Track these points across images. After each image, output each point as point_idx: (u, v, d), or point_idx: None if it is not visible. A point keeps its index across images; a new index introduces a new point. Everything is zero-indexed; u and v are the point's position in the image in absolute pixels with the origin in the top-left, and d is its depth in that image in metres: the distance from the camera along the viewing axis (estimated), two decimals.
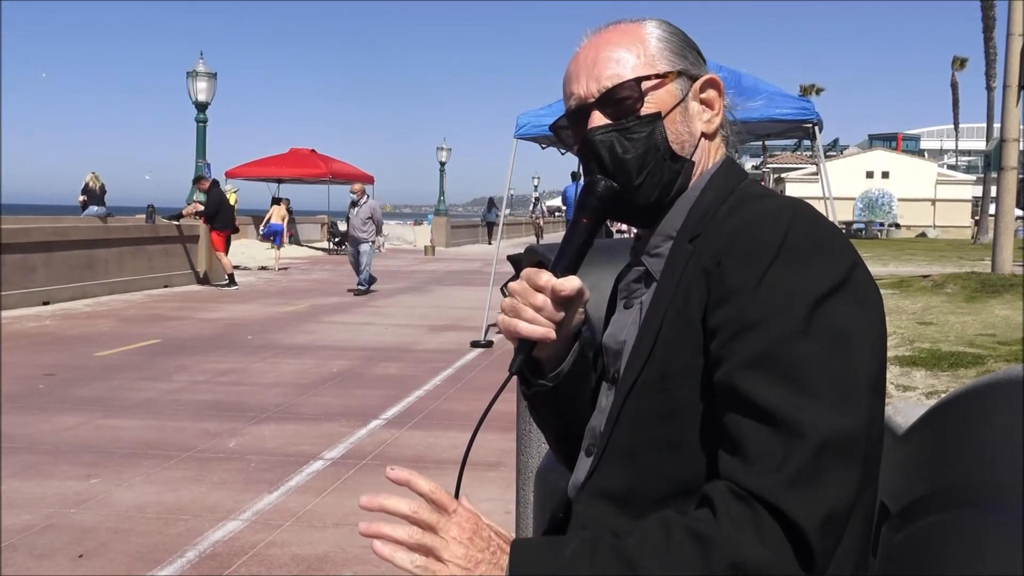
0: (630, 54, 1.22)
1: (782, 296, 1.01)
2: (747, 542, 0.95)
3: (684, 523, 0.99)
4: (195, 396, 6.88)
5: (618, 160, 1.19)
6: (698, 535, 0.97)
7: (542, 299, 1.17)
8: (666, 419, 1.10)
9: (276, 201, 24.48)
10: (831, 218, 1.15)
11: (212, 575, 3.56)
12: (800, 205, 1.09)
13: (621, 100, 1.20)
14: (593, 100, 1.21)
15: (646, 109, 1.20)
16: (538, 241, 31.39)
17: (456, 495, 1.09)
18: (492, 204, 37.50)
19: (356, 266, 15.18)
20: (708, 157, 1.24)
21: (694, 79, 1.24)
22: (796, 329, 1.00)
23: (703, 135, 1.24)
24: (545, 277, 1.17)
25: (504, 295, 1.23)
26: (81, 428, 5.83)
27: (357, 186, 15.80)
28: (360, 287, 14.96)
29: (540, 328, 1.17)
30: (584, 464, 1.23)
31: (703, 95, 1.24)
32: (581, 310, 1.23)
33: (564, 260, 1.20)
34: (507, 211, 12.91)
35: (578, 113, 1.23)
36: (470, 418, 6.22)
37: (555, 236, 36.86)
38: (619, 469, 1.14)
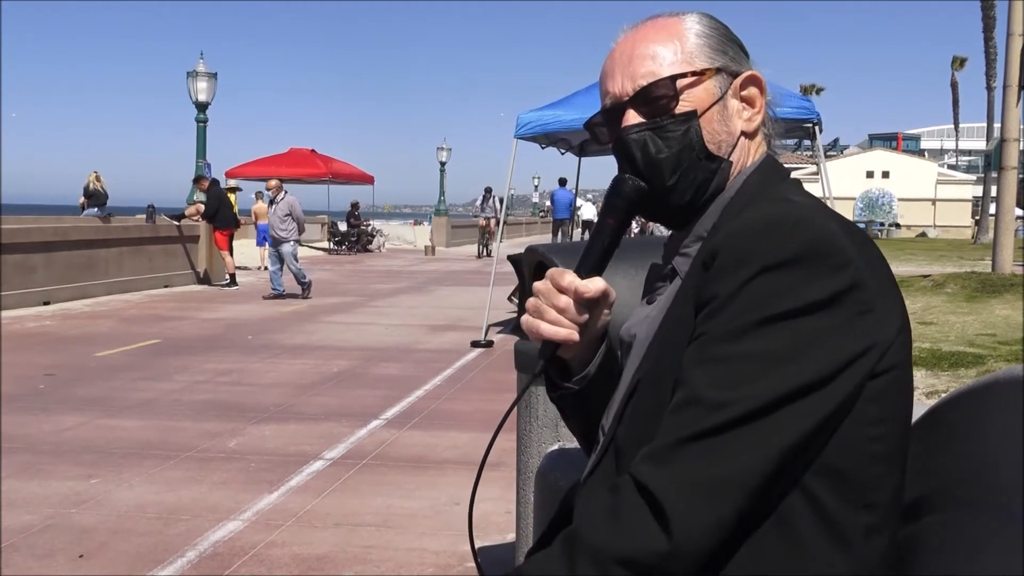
0: (667, 50, 1.18)
1: (753, 304, 0.99)
2: (600, 530, 0.97)
3: (566, 528, 1.03)
4: (195, 396, 6.88)
5: (651, 160, 1.16)
6: (566, 536, 1.01)
7: (565, 300, 1.15)
8: (661, 415, 1.09)
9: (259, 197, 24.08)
10: None
11: (212, 575, 3.56)
12: (809, 216, 1.04)
13: (656, 98, 1.17)
14: (628, 98, 1.18)
15: (682, 107, 1.16)
16: (482, 250, 26.24)
17: (472, 503, 1.13)
18: (502, 202, 37.70)
19: (278, 271, 14.00)
20: (748, 156, 1.21)
21: (735, 75, 1.20)
22: (752, 328, 0.98)
23: (743, 133, 1.20)
24: (568, 278, 1.15)
25: (511, 302, 1.25)
26: (81, 428, 5.83)
27: (272, 182, 14.63)
28: (303, 286, 13.93)
29: (562, 330, 1.15)
30: (590, 459, 1.23)
31: (744, 92, 1.20)
32: (607, 311, 1.20)
33: (589, 261, 1.18)
34: (507, 212, 12.88)
35: (612, 111, 1.20)
36: (471, 418, 6.22)
37: (508, 242, 36.28)
38: (618, 466, 1.14)
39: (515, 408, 1.20)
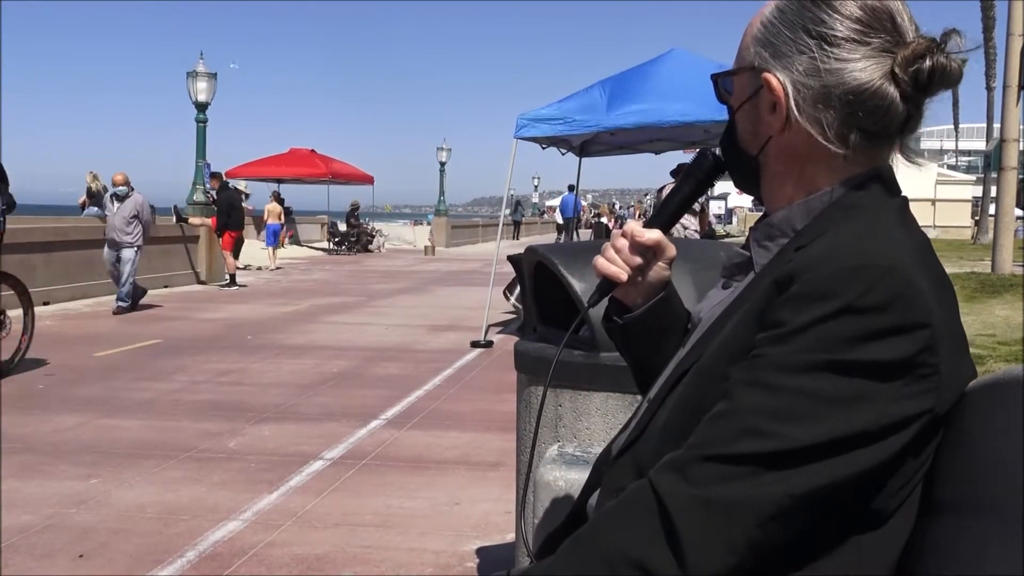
0: (744, 35, 1.16)
1: (822, 344, 0.95)
2: (612, 531, 1.00)
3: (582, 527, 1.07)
4: (195, 396, 6.88)
5: (721, 140, 1.25)
6: (579, 532, 1.05)
7: (622, 243, 1.28)
8: (699, 415, 1.05)
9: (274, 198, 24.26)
10: None
11: (212, 575, 3.56)
12: (901, 265, 0.98)
13: (716, 87, 1.22)
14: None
15: (732, 99, 1.19)
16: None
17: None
18: (518, 204, 40.02)
19: (116, 276, 11.94)
20: (794, 161, 1.12)
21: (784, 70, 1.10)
22: (814, 367, 0.94)
23: (775, 136, 1.12)
24: (630, 225, 1.28)
25: (506, 297, 1.29)
26: (81, 428, 5.83)
27: (119, 175, 12.02)
28: (122, 303, 11.78)
29: (612, 267, 1.28)
30: (631, 429, 1.24)
31: (771, 93, 1.10)
32: (663, 264, 1.30)
33: (658, 218, 1.31)
34: (507, 211, 12.87)
35: None
36: (471, 418, 6.22)
37: (524, 240, 36.32)
38: (652, 449, 1.13)
39: (516, 409, 1.21)
